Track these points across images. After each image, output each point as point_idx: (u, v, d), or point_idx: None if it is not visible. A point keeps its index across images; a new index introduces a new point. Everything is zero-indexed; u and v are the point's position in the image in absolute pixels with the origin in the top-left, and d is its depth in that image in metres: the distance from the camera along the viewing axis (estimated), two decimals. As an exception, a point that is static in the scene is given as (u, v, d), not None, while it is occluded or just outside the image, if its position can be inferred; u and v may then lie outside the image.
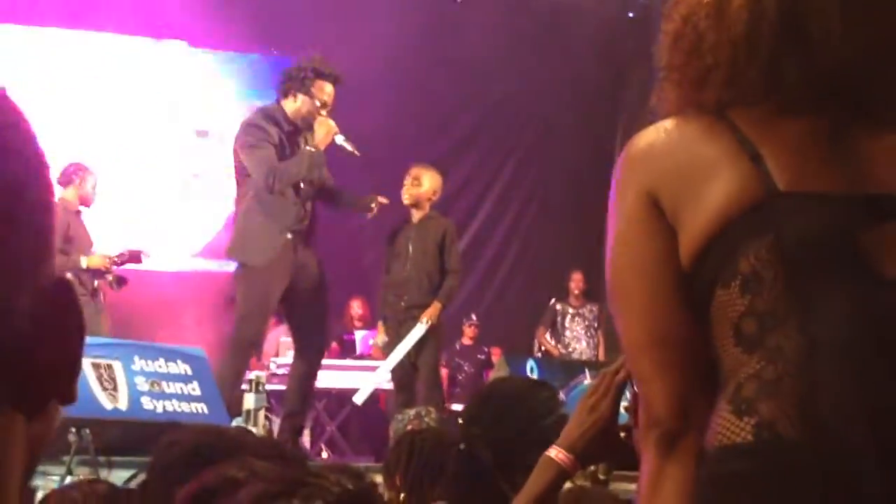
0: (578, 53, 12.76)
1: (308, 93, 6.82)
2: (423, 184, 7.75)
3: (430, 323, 7.50)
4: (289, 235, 6.75)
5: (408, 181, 7.78)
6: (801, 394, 1.46)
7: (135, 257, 8.35)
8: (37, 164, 0.68)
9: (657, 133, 1.68)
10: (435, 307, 7.55)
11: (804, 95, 1.60)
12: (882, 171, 1.56)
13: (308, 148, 6.78)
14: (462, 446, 3.10)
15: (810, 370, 1.47)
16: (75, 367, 0.71)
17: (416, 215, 7.76)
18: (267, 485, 1.49)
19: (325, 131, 6.83)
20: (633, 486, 5.40)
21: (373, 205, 7.18)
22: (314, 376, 7.10)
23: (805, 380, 1.47)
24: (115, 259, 8.17)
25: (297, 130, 6.89)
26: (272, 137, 6.77)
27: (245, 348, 6.76)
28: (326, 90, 6.88)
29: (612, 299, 1.70)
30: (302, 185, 6.80)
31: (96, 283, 8.09)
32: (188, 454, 2.61)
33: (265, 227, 6.74)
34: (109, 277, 8.14)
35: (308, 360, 6.98)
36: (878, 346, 1.48)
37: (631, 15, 13.08)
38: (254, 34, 11.95)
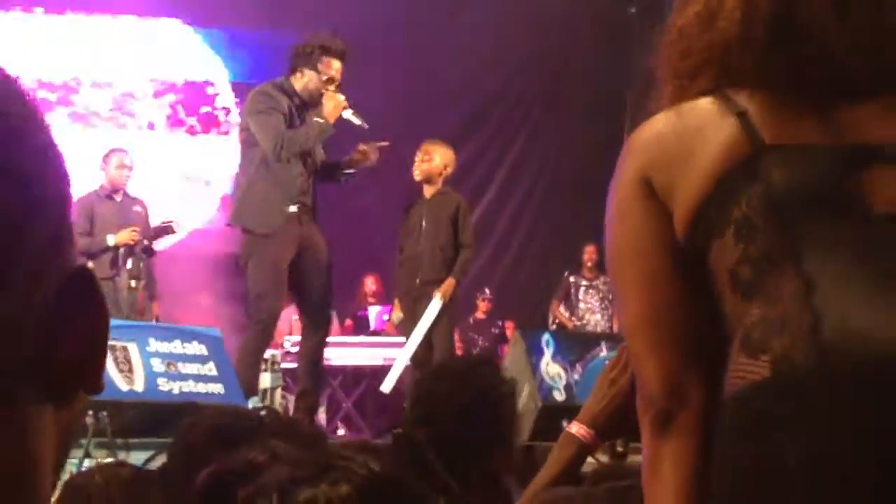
0: (586, 31, 12.74)
1: (315, 68, 6.81)
2: (433, 159, 7.73)
3: (445, 300, 7.49)
4: (293, 208, 6.73)
5: (419, 157, 7.78)
6: (807, 326, 1.46)
7: (167, 230, 8.36)
8: (52, 154, 0.68)
9: (654, 122, 1.70)
10: (449, 283, 7.54)
11: (800, 83, 1.61)
12: (869, 126, 1.56)
13: (317, 119, 6.77)
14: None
15: (811, 305, 1.47)
16: (100, 356, 0.70)
17: (429, 191, 7.75)
18: (292, 469, 1.48)
19: (334, 105, 6.83)
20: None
21: (371, 153, 7.10)
22: (322, 352, 7.08)
23: (809, 314, 1.46)
24: (150, 232, 8.22)
25: (305, 105, 6.88)
26: (281, 106, 6.77)
27: (266, 326, 6.77)
28: (334, 66, 6.87)
29: (612, 280, 1.73)
30: (308, 157, 6.79)
31: (129, 261, 8.08)
32: (207, 436, 2.61)
33: (271, 195, 6.73)
34: (138, 250, 8.15)
35: (315, 337, 6.97)
36: (874, 277, 1.48)
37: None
38: (262, 11, 11.94)
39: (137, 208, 8.59)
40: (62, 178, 0.68)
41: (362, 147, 7.07)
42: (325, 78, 6.83)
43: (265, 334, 6.77)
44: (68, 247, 0.68)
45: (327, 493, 1.43)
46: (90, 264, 6.57)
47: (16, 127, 0.66)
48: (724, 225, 1.55)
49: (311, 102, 6.87)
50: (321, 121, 6.76)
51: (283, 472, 1.48)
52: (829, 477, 1.43)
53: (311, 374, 6.97)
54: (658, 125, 1.68)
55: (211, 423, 2.73)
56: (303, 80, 6.85)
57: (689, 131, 1.62)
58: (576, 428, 2.56)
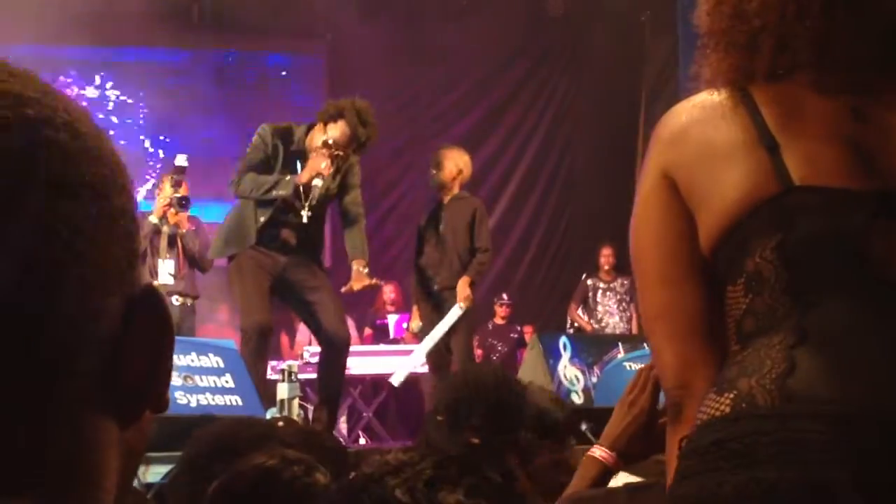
0: (600, 24, 12.74)
1: (328, 125, 6.66)
2: (443, 167, 7.74)
3: (466, 306, 7.47)
4: (251, 241, 6.71)
5: (431, 166, 7.81)
6: (779, 371, 1.48)
7: (182, 203, 8.30)
8: (122, 172, 0.70)
9: (680, 113, 1.69)
10: (464, 281, 7.50)
11: (853, 62, 1.58)
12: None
13: (290, 178, 6.65)
14: (475, 440, 3.11)
15: (790, 355, 1.48)
16: (166, 375, 0.72)
17: (446, 197, 7.76)
18: (435, 467, 1.48)
19: (310, 168, 6.63)
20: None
21: (356, 284, 7.01)
22: (339, 361, 6.99)
23: (785, 362, 1.48)
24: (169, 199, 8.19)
25: (298, 155, 6.77)
26: (267, 146, 6.71)
27: (256, 339, 6.70)
28: (345, 135, 6.64)
29: (636, 274, 1.73)
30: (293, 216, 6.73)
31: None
32: (213, 447, 2.62)
33: (245, 217, 6.72)
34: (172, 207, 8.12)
35: (329, 346, 6.92)
36: (865, 345, 1.47)
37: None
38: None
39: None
40: (130, 196, 0.70)
41: (359, 276, 6.95)
42: (327, 139, 6.66)
43: (252, 350, 6.70)
44: (135, 264, 0.70)
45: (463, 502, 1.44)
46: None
47: (93, 147, 0.68)
48: (737, 274, 1.57)
49: (304, 157, 6.74)
50: (288, 178, 6.63)
51: (426, 465, 1.48)
52: None
53: (329, 383, 6.94)
54: (683, 120, 1.68)
55: (216, 434, 2.73)
56: (311, 132, 6.75)
57: (715, 144, 1.62)
58: (598, 451, 2.57)
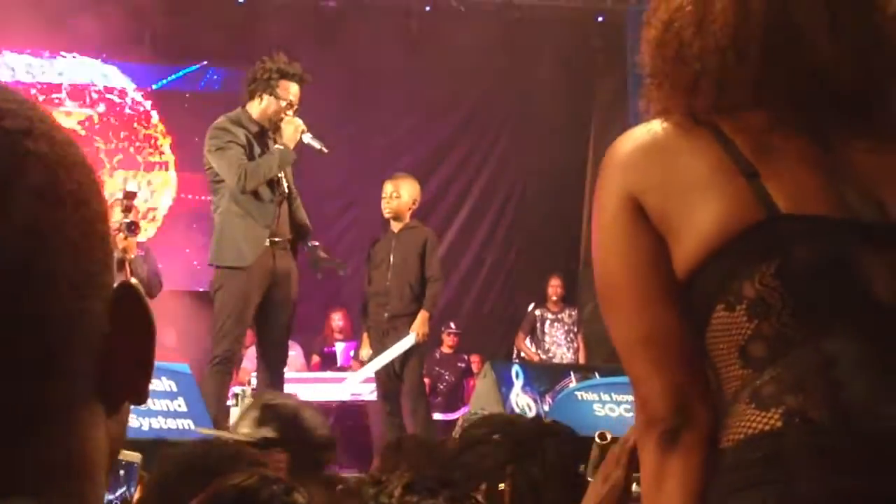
0: (549, 58, 12.82)
1: (273, 93, 6.79)
2: (402, 195, 7.75)
3: (421, 337, 7.49)
4: (267, 242, 6.71)
5: (386, 194, 7.77)
6: (825, 390, 1.49)
7: (131, 228, 8.17)
8: (95, 177, 0.73)
9: (641, 136, 1.68)
10: (423, 317, 7.53)
11: (798, 99, 1.61)
12: (882, 192, 1.58)
13: (277, 146, 6.75)
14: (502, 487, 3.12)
15: (830, 376, 1.50)
16: (149, 368, 0.74)
17: (397, 225, 7.76)
18: (412, 477, 1.50)
19: (293, 129, 6.79)
20: None
21: (340, 271, 7.13)
22: (280, 386, 6.97)
23: (828, 381, 1.50)
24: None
25: (263, 132, 6.85)
26: (239, 139, 6.73)
27: (223, 364, 6.69)
28: (292, 90, 6.84)
29: (602, 302, 1.70)
30: (277, 185, 6.77)
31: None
32: (182, 468, 2.61)
33: (245, 227, 6.70)
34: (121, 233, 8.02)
35: (272, 373, 6.91)
36: (884, 366, 1.51)
37: (600, 19, 13.12)
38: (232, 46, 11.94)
39: None
40: (102, 199, 0.72)
41: (328, 263, 7.09)
42: (283, 103, 6.81)
43: (224, 371, 6.70)
44: (112, 264, 0.73)
45: None
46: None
47: (70, 154, 0.71)
48: (735, 300, 1.56)
49: (269, 128, 6.85)
50: (282, 147, 6.75)
51: (404, 478, 1.50)
52: None
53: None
54: (646, 143, 1.67)
55: (185, 455, 2.73)
56: (260, 106, 6.82)
57: (688, 170, 1.61)
58: None
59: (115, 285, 0.73)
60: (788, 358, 1.53)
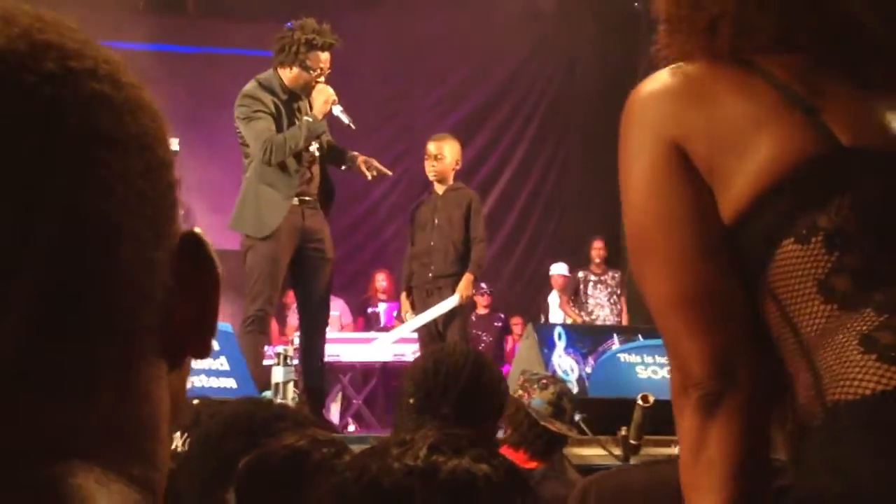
0: (592, 21, 12.76)
1: (303, 65, 6.75)
2: (445, 157, 7.72)
3: (465, 299, 7.49)
4: (295, 201, 6.71)
5: (430, 155, 7.74)
6: None
7: None
8: (162, 122, 0.69)
9: (674, 79, 1.59)
10: (467, 279, 7.52)
11: (829, 44, 1.56)
12: None
13: (306, 118, 6.73)
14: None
15: None
16: (212, 321, 0.71)
17: (440, 187, 7.74)
18: (439, 437, 1.50)
19: (323, 100, 6.75)
20: (663, 451, 5.41)
21: (370, 173, 7.12)
22: (321, 347, 7.02)
23: None
24: None
25: (294, 97, 6.83)
26: (268, 107, 6.70)
27: (256, 325, 6.72)
28: (322, 58, 6.77)
29: (638, 256, 1.60)
30: (304, 152, 6.76)
31: None
32: (227, 427, 2.62)
33: (267, 196, 6.69)
34: None
35: (312, 333, 6.94)
36: None
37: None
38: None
39: None
40: (168, 147, 0.70)
41: (368, 163, 7.10)
42: (313, 73, 6.76)
43: (254, 335, 6.72)
44: (177, 214, 0.70)
45: (468, 467, 1.45)
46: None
47: (135, 97, 0.67)
48: (809, 232, 1.47)
49: (300, 94, 6.81)
50: (310, 119, 6.72)
51: (430, 435, 1.49)
52: None
53: (316, 372, 6.94)
54: (681, 84, 1.58)
55: (229, 414, 2.73)
56: (290, 75, 6.78)
57: (736, 110, 1.53)
58: None
59: (183, 233, 0.70)
60: (881, 296, 1.45)
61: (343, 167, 7.19)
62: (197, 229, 0.71)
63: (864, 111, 1.54)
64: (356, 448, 1.96)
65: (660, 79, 1.60)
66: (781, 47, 1.57)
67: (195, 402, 3.09)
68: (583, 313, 11.47)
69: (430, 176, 7.75)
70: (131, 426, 0.67)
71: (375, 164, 7.14)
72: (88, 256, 0.63)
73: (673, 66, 1.60)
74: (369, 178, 7.19)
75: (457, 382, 3.19)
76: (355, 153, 7.15)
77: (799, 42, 1.56)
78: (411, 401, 3.24)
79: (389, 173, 7.43)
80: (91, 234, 0.62)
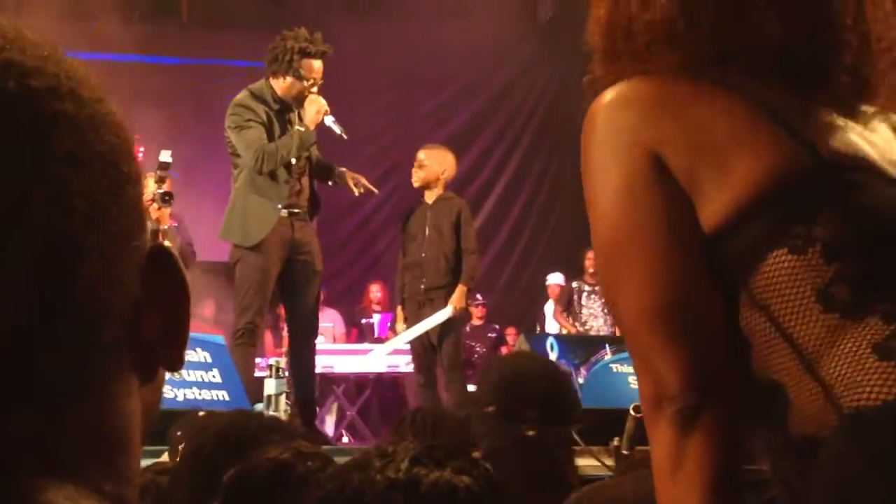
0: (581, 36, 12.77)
1: (296, 74, 6.76)
2: (429, 164, 7.73)
3: (458, 311, 7.49)
4: (284, 213, 6.72)
5: (416, 164, 7.78)
6: None
7: (165, 199, 8.19)
8: (125, 136, 0.69)
9: (641, 88, 1.57)
10: (461, 291, 7.52)
11: (763, 60, 1.55)
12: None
13: (298, 128, 6.74)
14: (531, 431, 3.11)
15: None
16: (183, 333, 0.71)
17: (430, 196, 7.74)
18: (421, 449, 1.50)
19: (316, 110, 6.76)
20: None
21: (357, 189, 7.14)
22: (311, 358, 7.01)
23: None
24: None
25: (286, 108, 6.84)
26: (260, 116, 6.70)
27: (246, 337, 6.71)
28: (315, 66, 6.79)
29: (610, 267, 1.56)
30: (293, 161, 6.76)
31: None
32: (218, 438, 2.62)
33: (257, 205, 6.70)
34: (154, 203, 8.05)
35: (302, 344, 6.94)
36: None
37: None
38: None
39: None
40: (135, 160, 0.69)
41: (356, 180, 7.10)
42: (307, 83, 6.78)
43: (244, 347, 6.71)
44: (144, 227, 0.70)
45: (449, 479, 1.45)
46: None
47: (97, 113, 0.67)
48: (803, 242, 1.46)
49: (292, 104, 6.82)
50: (302, 129, 6.72)
51: (412, 450, 1.49)
52: None
53: (307, 383, 6.94)
54: (649, 93, 1.56)
55: (220, 425, 2.74)
56: (283, 84, 6.79)
57: (713, 122, 1.52)
58: None
59: (151, 247, 0.70)
60: (883, 306, 1.44)
61: (330, 182, 7.20)
62: (166, 242, 0.71)
63: (825, 123, 1.53)
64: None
65: (622, 90, 1.57)
66: (723, 64, 1.55)
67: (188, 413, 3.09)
68: (577, 323, 11.47)
69: (415, 183, 7.79)
70: (102, 441, 0.67)
71: (363, 180, 7.16)
72: (52, 275, 0.62)
73: (634, 79, 1.57)
74: (356, 194, 7.20)
75: (537, 386, 3.20)
76: (343, 169, 7.17)
77: (739, 56, 1.56)
78: (491, 409, 3.25)
79: (376, 191, 7.48)
80: (53, 253, 0.62)
